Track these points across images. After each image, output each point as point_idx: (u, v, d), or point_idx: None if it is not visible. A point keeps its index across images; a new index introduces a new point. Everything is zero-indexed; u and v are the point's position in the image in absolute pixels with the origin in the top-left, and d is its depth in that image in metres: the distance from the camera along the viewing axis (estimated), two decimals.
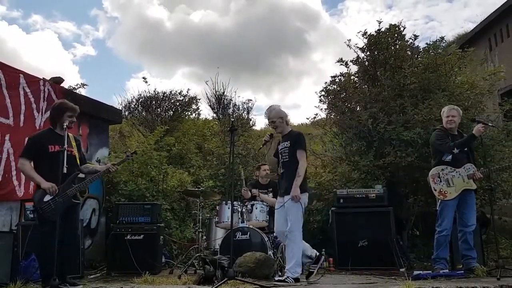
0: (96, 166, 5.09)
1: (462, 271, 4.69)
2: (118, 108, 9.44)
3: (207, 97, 12.98)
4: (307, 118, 9.12)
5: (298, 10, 52.24)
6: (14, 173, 5.54)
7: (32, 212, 4.45)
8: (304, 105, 43.11)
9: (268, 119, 5.00)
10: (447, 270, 4.79)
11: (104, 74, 44.74)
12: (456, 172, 4.96)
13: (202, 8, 55.06)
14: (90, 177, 4.66)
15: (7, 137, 5.44)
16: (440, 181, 4.98)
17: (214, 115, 13.12)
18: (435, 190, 5.01)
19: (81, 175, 4.73)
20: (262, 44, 45.51)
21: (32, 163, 4.34)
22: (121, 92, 16.05)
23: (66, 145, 4.24)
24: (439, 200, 5.00)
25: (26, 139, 4.66)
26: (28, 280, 4.52)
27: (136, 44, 47.07)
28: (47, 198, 4.21)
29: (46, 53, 44.52)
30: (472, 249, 4.95)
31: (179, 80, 42.30)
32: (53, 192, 4.20)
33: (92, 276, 5.44)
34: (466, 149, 5.01)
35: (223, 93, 12.95)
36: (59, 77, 6.62)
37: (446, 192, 4.94)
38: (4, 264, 4.82)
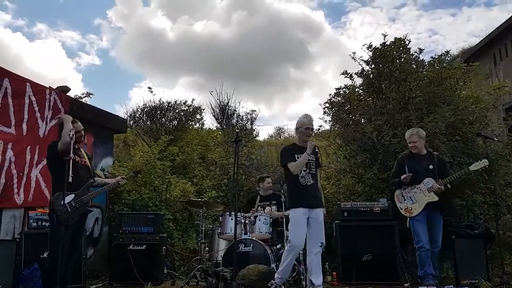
0: (105, 179, 5.22)
1: (467, 287, 4.64)
2: (123, 117, 9.46)
3: (211, 107, 13.02)
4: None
5: (300, 21, 52.61)
6: (15, 181, 5.54)
7: (50, 214, 4.45)
8: None
9: (310, 125, 4.94)
10: (433, 284, 4.79)
11: (106, 83, 45.09)
12: (417, 188, 5.12)
13: (204, 18, 55.52)
14: (101, 187, 4.80)
15: (9, 146, 5.45)
16: (404, 200, 5.18)
17: (218, 125, 13.13)
18: (401, 209, 5.20)
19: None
20: (263, 54, 45.78)
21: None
22: (123, 101, 16.13)
23: (72, 155, 4.27)
24: (408, 218, 5.14)
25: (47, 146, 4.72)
26: None
27: (139, 53, 47.47)
28: (66, 200, 4.28)
29: (49, 60, 44.85)
30: (435, 268, 5.02)
31: (181, 90, 42.52)
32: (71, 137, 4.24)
33: (94, 286, 5.43)
34: (431, 167, 5.12)
35: (227, 103, 12.97)
36: (66, 86, 6.64)
37: (411, 209, 5.11)
38: (6, 273, 4.83)
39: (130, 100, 44.92)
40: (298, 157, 4.80)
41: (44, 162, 5.91)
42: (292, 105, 45.77)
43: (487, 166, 4.94)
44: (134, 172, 5.24)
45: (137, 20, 51.73)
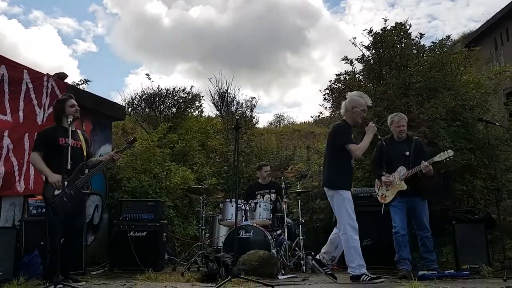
0: (99, 158, 5.10)
1: (468, 272, 4.66)
2: (121, 104, 9.41)
3: (211, 94, 12.95)
4: (311, 117, 9.07)
5: (298, 7, 52.19)
6: (16, 168, 5.52)
7: (45, 207, 4.42)
8: (304, 104, 43.03)
9: (366, 107, 4.80)
10: (407, 268, 4.83)
11: (102, 70, 44.95)
12: (392, 176, 5.12)
13: (200, 3, 55.01)
14: (95, 167, 4.68)
15: (6, 133, 5.41)
16: (382, 186, 5.23)
17: (217, 112, 13.09)
18: (378, 196, 5.28)
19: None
20: (261, 41, 45.56)
21: (42, 156, 4.42)
22: (119, 88, 16.09)
23: (70, 140, 4.26)
24: (383, 205, 5.21)
25: (36, 134, 4.67)
26: (31, 276, 4.50)
27: (135, 40, 47.22)
28: (57, 191, 4.27)
29: (45, 48, 44.60)
30: (430, 252, 5.01)
31: (178, 77, 42.28)
32: (58, 187, 4.24)
33: (94, 273, 5.44)
34: (408, 153, 5.10)
35: (227, 90, 12.91)
36: (63, 72, 6.60)
37: (385, 196, 5.18)
38: (7, 260, 4.81)
39: (127, 86, 44.71)
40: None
41: None
42: (290, 92, 45.71)
43: (451, 157, 4.94)
44: (128, 143, 4.95)
45: (132, 5, 51.41)
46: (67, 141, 4.27)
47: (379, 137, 4.77)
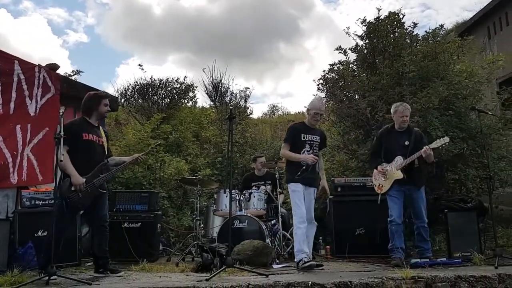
0: (121, 158, 5.12)
1: (460, 260, 4.72)
2: (114, 95, 9.35)
3: (204, 84, 12.90)
4: (305, 107, 9.08)
5: None
6: (10, 160, 5.45)
7: (57, 198, 4.39)
8: (297, 94, 43.00)
9: (320, 111, 4.96)
10: (400, 256, 4.87)
11: (93, 60, 44.51)
12: (389, 166, 5.17)
13: None
14: (116, 167, 4.74)
15: None
16: (379, 176, 5.26)
17: (211, 103, 13.04)
18: (375, 186, 5.32)
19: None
20: (253, 30, 45.35)
21: (67, 150, 4.31)
22: (111, 79, 15.97)
23: (92, 136, 4.48)
24: (379, 195, 5.25)
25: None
26: (25, 268, 4.49)
27: (126, 30, 46.83)
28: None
29: (34, 38, 44.08)
30: (425, 241, 5.06)
31: (171, 67, 41.94)
32: (80, 190, 4.27)
33: (89, 264, 5.41)
34: (407, 143, 5.13)
35: (220, 81, 12.85)
36: (55, 63, 6.54)
37: (382, 186, 5.21)
38: (1, 252, 4.81)
39: (118, 76, 44.33)
40: (304, 137, 4.89)
41: (35, 141, 5.84)
42: (283, 82, 45.61)
43: (447, 144, 5.00)
44: (152, 148, 5.27)
45: None
46: (93, 136, 4.45)
47: (303, 168, 4.76)
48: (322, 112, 5.01)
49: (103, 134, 4.70)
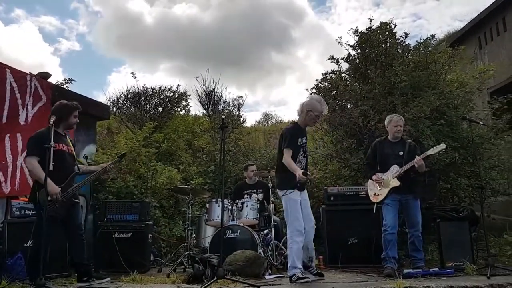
0: (89, 166, 5.12)
1: (452, 270, 4.70)
2: (106, 104, 9.31)
3: (197, 93, 12.89)
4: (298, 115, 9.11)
5: (282, 5, 52.17)
6: None
7: (36, 209, 4.35)
8: (290, 102, 43.09)
9: (321, 115, 4.89)
10: (393, 266, 4.83)
11: (84, 69, 44.43)
12: (384, 175, 5.17)
13: (183, 1, 54.67)
14: (87, 177, 4.71)
15: None
16: (374, 186, 5.25)
17: (204, 111, 13.02)
18: (371, 196, 5.28)
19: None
20: (245, 39, 45.54)
21: (38, 161, 4.30)
22: (102, 87, 15.95)
23: (63, 145, 4.46)
24: (375, 204, 5.21)
25: (29, 138, 4.58)
26: (14, 279, 4.42)
27: (117, 38, 46.76)
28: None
29: (25, 45, 43.90)
30: (418, 251, 5.08)
31: (162, 75, 41.86)
32: (56, 199, 4.23)
33: None
34: (401, 153, 5.15)
35: (214, 89, 12.85)
36: (46, 72, 6.50)
37: (378, 194, 5.19)
38: None
39: (110, 85, 44.15)
40: (299, 141, 4.71)
41: None
42: (275, 91, 45.75)
43: (443, 150, 5.05)
44: (119, 157, 5.06)
45: (114, 3, 50.86)
46: (63, 146, 4.45)
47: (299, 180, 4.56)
48: (324, 113, 4.95)
49: (70, 143, 4.67)
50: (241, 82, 41.29)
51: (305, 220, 4.62)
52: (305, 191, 4.84)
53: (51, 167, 3.98)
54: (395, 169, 5.10)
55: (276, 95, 45.65)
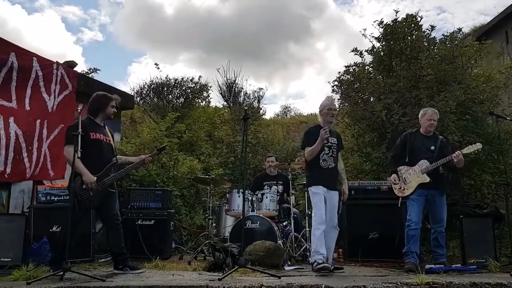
0: (128, 157, 5.11)
1: (475, 266, 4.65)
2: (129, 93, 9.41)
3: (218, 84, 12.90)
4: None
5: None
6: (25, 155, 5.51)
7: (71, 196, 4.40)
8: (308, 95, 42.76)
9: (332, 106, 4.90)
10: (414, 262, 4.79)
11: (106, 58, 44.80)
12: (412, 169, 5.10)
13: None
14: (126, 167, 4.75)
15: (11, 120, 5.36)
16: (399, 180, 5.17)
17: (225, 103, 13.05)
18: (395, 189, 5.21)
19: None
20: (264, 30, 45.30)
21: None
22: (124, 77, 16.07)
23: (101, 135, 4.53)
24: (400, 198, 5.17)
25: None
26: (40, 263, 4.52)
27: (138, 29, 47.00)
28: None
29: (48, 34, 44.50)
30: (441, 247, 5.02)
31: (181, 66, 41.92)
32: (91, 188, 4.29)
33: (102, 260, 5.47)
34: (433, 148, 5.10)
35: (235, 81, 12.84)
36: (73, 61, 6.62)
37: (404, 189, 5.12)
38: (16, 247, 4.86)
39: (131, 75, 44.48)
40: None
41: (52, 137, 5.91)
42: (293, 83, 45.45)
43: (479, 150, 4.98)
44: (158, 149, 5.09)
45: None
46: (101, 136, 4.50)
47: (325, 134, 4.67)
48: (334, 107, 4.94)
49: (109, 133, 4.71)
50: (259, 74, 41.22)
51: (327, 218, 4.65)
52: (336, 194, 4.81)
53: (79, 154, 4.04)
54: (424, 164, 5.02)
55: (294, 88, 45.42)
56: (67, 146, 4.39)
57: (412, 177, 5.07)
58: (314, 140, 4.69)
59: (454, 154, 4.86)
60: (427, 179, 4.97)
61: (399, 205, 5.20)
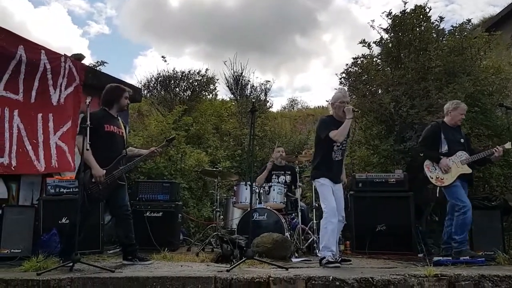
0: (139, 150, 5.12)
1: (483, 259, 4.62)
2: (137, 86, 9.43)
3: (225, 77, 12.89)
4: (326, 101, 9.02)
5: None
6: (29, 147, 5.51)
7: (80, 189, 4.41)
8: (314, 88, 42.51)
9: (345, 98, 4.78)
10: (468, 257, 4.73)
11: (112, 51, 44.72)
12: (449, 159, 5.08)
13: None
14: (135, 159, 4.77)
15: (15, 113, 5.37)
16: (435, 169, 5.13)
17: (232, 95, 13.04)
18: (431, 178, 5.16)
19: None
20: (269, 22, 44.95)
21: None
22: (129, 70, 16.10)
23: (113, 127, 4.54)
24: (438, 188, 5.15)
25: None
26: (49, 254, 4.57)
27: (143, 22, 46.92)
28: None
29: (54, 27, 44.56)
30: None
31: (187, 59, 41.72)
32: (100, 182, 4.31)
33: (111, 251, 5.52)
34: (462, 140, 5.17)
35: (241, 73, 12.82)
36: (80, 53, 6.63)
37: (442, 178, 5.08)
38: (26, 238, 4.94)
39: (136, 68, 44.43)
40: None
41: (64, 129, 5.94)
42: (299, 76, 45.20)
43: None
44: (167, 140, 5.12)
45: None
46: (115, 128, 4.51)
47: (356, 109, 4.72)
48: (347, 100, 4.80)
49: (121, 125, 4.73)
50: (264, 67, 40.88)
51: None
52: (340, 187, 4.79)
53: (88, 146, 4.06)
54: (463, 155, 5.06)
55: (300, 81, 45.16)
56: (78, 136, 4.43)
57: (452, 167, 5.06)
58: (331, 129, 4.61)
59: (496, 149, 4.91)
60: (469, 170, 5.02)
61: (437, 195, 5.21)
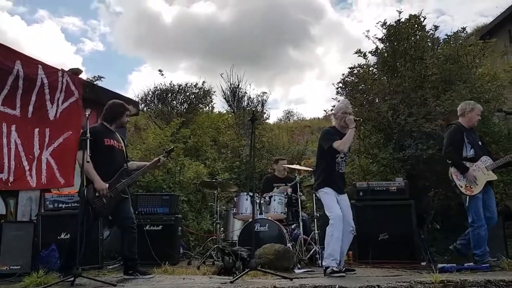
0: (142, 162, 5.15)
1: (488, 265, 4.60)
2: (135, 100, 9.42)
3: (222, 89, 12.94)
4: (324, 110, 9.08)
5: (301, 2, 51.81)
6: (25, 163, 5.47)
7: (82, 204, 4.34)
8: (309, 100, 42.77)
9: (347, 109, 4.77)
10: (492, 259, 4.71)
11: (106, 67, 44.90)
12: (476, 166, 4.92)
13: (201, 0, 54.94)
14: (137, 171, 4.78)
15: (13, 128, 5.35)
16: (463, 177, 4.92)
17: (229, 107, 13.07)
18: (461, 187, 4.90)
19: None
20: (263, 36, 45.39)
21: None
22: (124, 86, 16.20)
23: (113, 141, 4.56)
24: (467, 197, 4.88)
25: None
26: (49, 270, 4.50)
27: (137, 37, 47.22)
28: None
29: (47, 44, 44.72)
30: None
31: (182, 73, 42.01)
32: (103, 195, 4.29)
33: (111, 267, 5.45)
34: (480, 143, 5.03)
35: (238, 85, 12.87)
36: (78, 68, 6.63)
37: (472, 187, 4.88)
38: (25, 254, 4.87)
39: (131, 83, 44.59)
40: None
41: (56, 144, 5.88)
42: (293, 88, 45.49)
43: None
44: (166, 152, 5.14)
45: (134, 3, 51.52)
46: (114, 142, 4.53)
47: (357, 118, 4.72)
48: (349, 111, 4.77)
49: (120, 139, 4.74)
50: (259, 80, 41.33)
51: (343, 222, 4.54)
52: (345, 197, 4.76)
53: (88, 158, 4.03)
54: (488, 160, 4.91)
55: (295, 93, 45.44)
56: (79, 151, 4.40)
57: (478, 174, 4.88)
58: (334, 140, 4.59)
59: None
60: (495, 177, 4.89)
61: (466, 205, 4.91)
